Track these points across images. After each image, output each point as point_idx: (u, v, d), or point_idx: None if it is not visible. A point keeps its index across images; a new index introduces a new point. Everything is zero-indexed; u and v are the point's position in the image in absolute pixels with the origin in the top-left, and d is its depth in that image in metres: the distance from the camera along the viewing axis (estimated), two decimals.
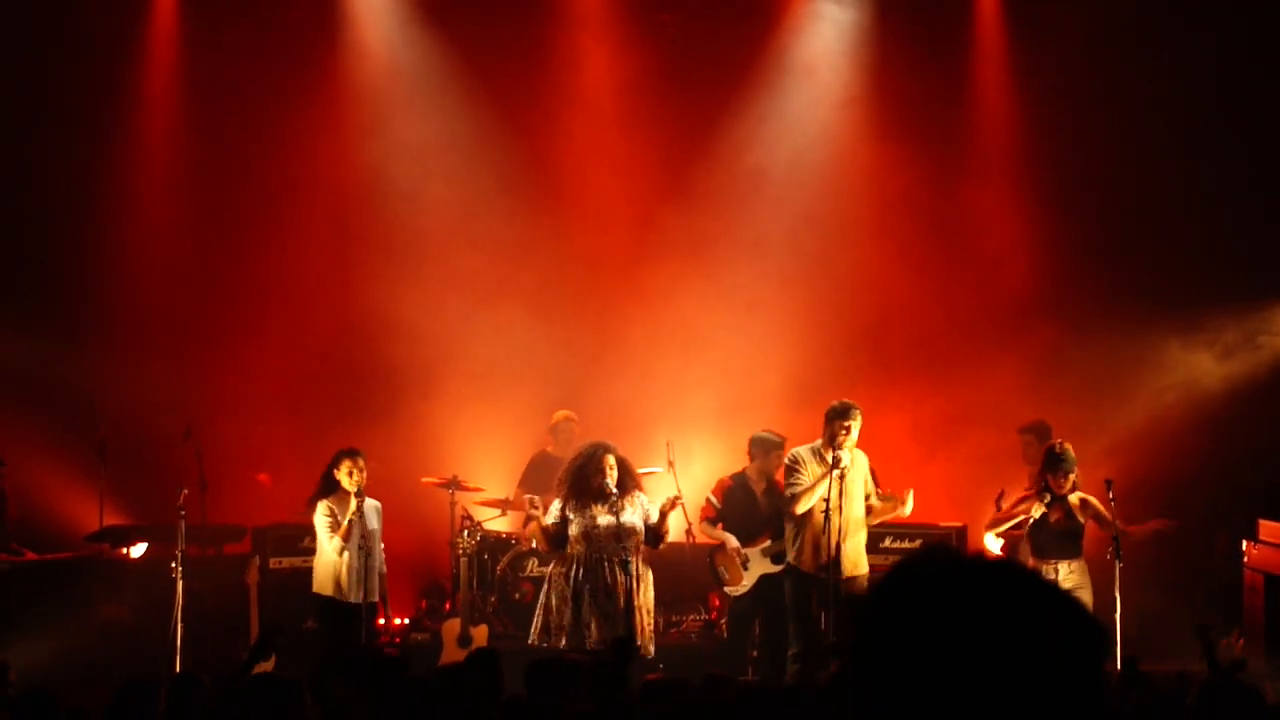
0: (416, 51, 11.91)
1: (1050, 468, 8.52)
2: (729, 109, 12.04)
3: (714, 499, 9.31)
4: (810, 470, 8.48)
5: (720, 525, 9.26)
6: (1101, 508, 8.56)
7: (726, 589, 9.29)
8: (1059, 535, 8.52)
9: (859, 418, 8.47)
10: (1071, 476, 8.50)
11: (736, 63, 12.02)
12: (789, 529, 8.67)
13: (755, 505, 9.22)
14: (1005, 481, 9.54)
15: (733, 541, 9.16)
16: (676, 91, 12.02)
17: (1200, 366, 11.29)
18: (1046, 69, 11.71)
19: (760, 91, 12.07)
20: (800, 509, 8.44)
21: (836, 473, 8.34)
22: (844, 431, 8.42)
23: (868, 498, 8.66)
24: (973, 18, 12.13)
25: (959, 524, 10.21)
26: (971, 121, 12.18)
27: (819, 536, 8.40)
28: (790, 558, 8.65)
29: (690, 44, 12.03)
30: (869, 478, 8.71)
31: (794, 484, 8.51)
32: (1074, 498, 8.55)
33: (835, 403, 8.59)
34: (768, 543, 9.12)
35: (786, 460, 8.70)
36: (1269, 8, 11.47)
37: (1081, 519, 8.58)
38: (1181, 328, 11.30)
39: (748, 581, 9.15)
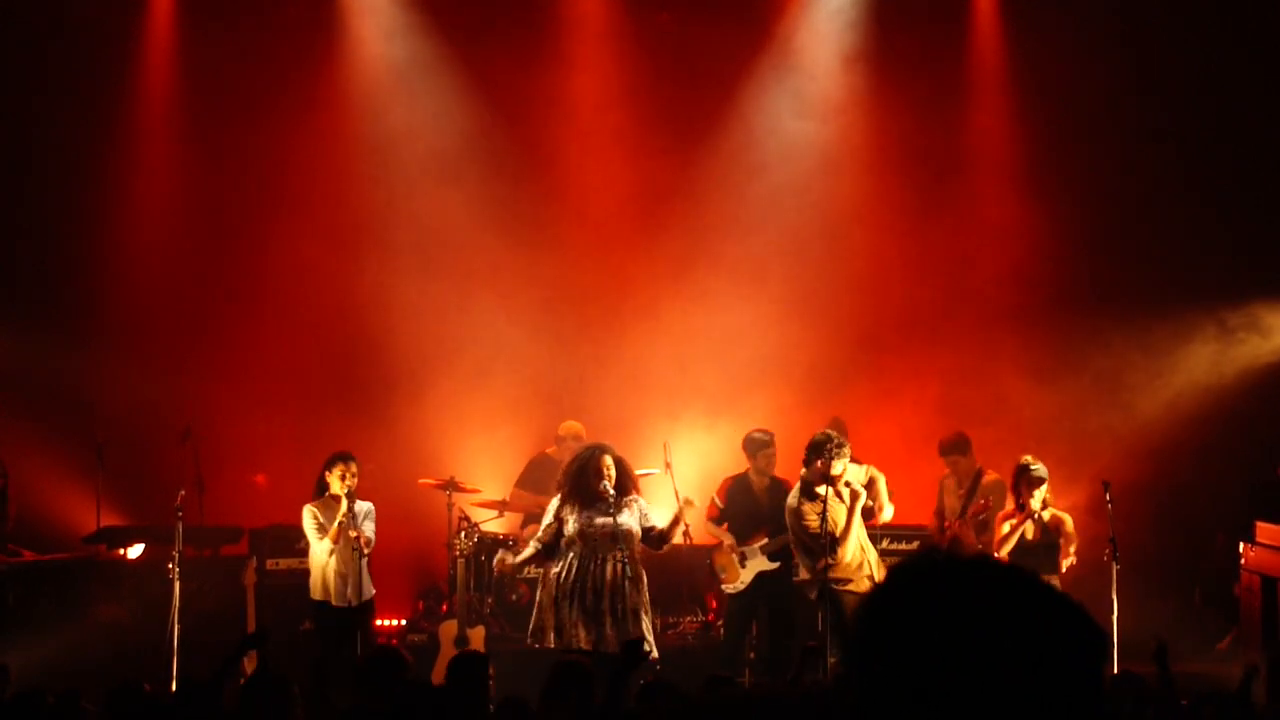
0: (413, 52, 11.90)
1: (1021, 482, 8.48)
2: (726, 107, 12.04)
3: (718, 499, 9.38)
4: (813, 509, 8.44)
5: (725, 525, 9.30)
6: (1070, 528, 8.56)
7: (724, 586, 9.34)
8: (1034, 551, 8.47)
9: (839, 451, 8.34)
10: (1041, 489, 8.45)
11: (734, 61, 12.02)
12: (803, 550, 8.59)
13: (756, 503, 9.28)
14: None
15: (729, 539, 9.19)
16: (674, 91, 12.02)
17: (1198, 367, 11.31)
18: (1046, 60, 11.69)
19: (757, 90, 12.08)
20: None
21: (830, 499, 8.34)
22: (827, 470, 8.32)
23: (869, 510, 8.61)
24: (969, 13, 12.14)
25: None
26: (970, 117, 12.18)
27: (849, 557, 8.41)
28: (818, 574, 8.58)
29: (687, 43, 12.03)
30: (881, 493, 8.66)
31: (809, 517, 8.42)
32: (1047, 514, 8.52)
33: (815, 436, 8.52)
34: (765, 540, 9.17)
35: (791, 504, 8.57)
36: None
37: (1054, 535, 8.54)
38: (1179, 327, 11.32)
39: (745, 578, 9.20)
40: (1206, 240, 11.32)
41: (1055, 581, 8.47)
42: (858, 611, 1.56)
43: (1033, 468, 8.52)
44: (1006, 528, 8.53)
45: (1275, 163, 11.37)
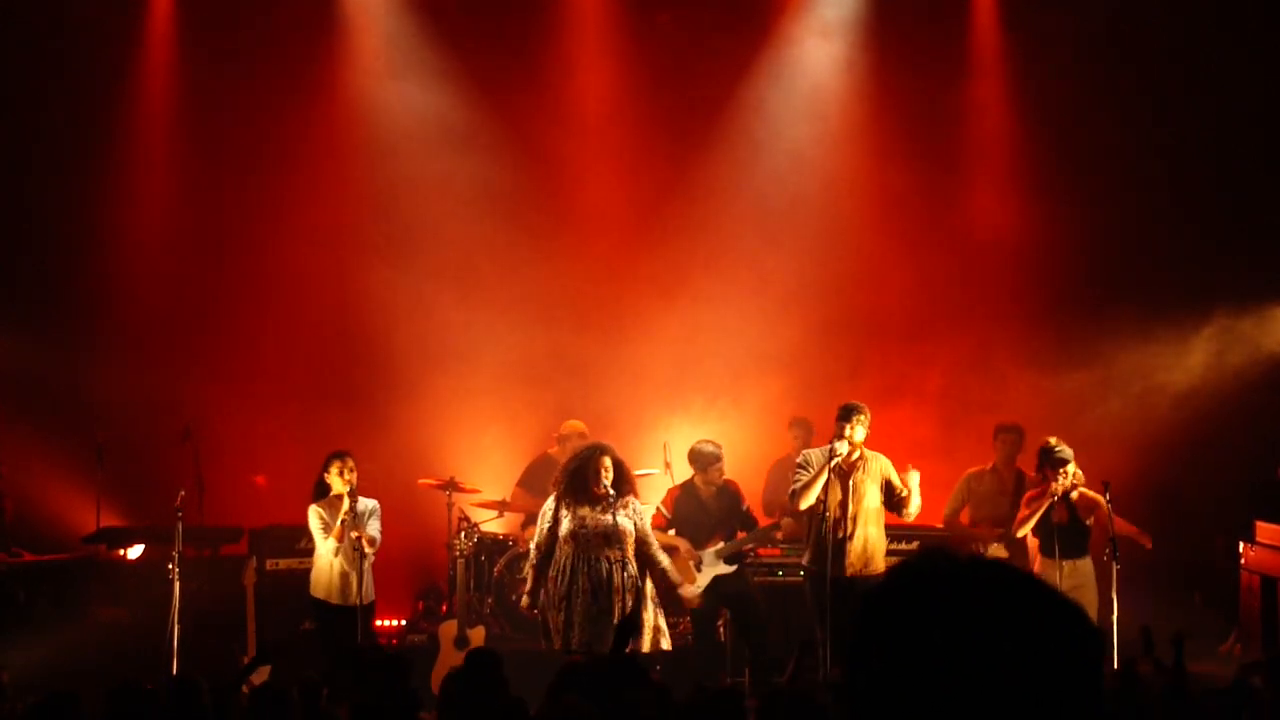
0: (413, 52, 11.90)
1: (1045, 464, 8.56)
2: (726, 106, 12.04)
3: (663, 509, 9.39)
4: (812, 469, 8.50)
5: (673, 532, 9.30)
6: (1102, 503, 8.56)
7: (680, 591, 9.36)
8: (1063, 534, 8.53)
9: (860, 418, 8.45)
10: (1068, 469, 8.49)
11: (733, 61, 12.01)
12: (820, 528, 8.61)
13: (704, 510, 9.31)
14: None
15: (683, 544, 9.22)
16: (673, 90, 12.02)
17: (1198, 366, 11.30)
18: (1045, 61, 11.67)
19: (757, 88, 12.07)
20: (803, 504, 8.46)
21: (833, 464, 8.35)
22: (839, 433, 8.43)
23: (897, 493, 8.57)
24: (969, 12, 12.13)
25: None
26: (972, 113, 12.15)
27: (823, 536, 8.44)
28: (804, 560, 8.69)
29: (687, 43, 12.03)
30: (892, 478, 8.64)
31: (796, 480, 8.53)
32: (1075, 494, 8.56)
33: (841, 404, 8.63)
34: (720, 544, 9.22)
35: (798, 460, 8.76)
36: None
37: (1085, 518, 8.60)
38: (1180, 327, 11.31)
39: (702, 583, 9.24)
40: (1209, 239, 11.32)
41: (1087, 563, 8.52)
42: (857, 611, 1.56)
43: (1056, 449, 8.55)
44: (1035, 510, 8.58)
45: (1277, 161, 11.36)
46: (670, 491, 9.50)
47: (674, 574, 8.31)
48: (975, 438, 10.90)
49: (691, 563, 9.25)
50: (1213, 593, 10.64)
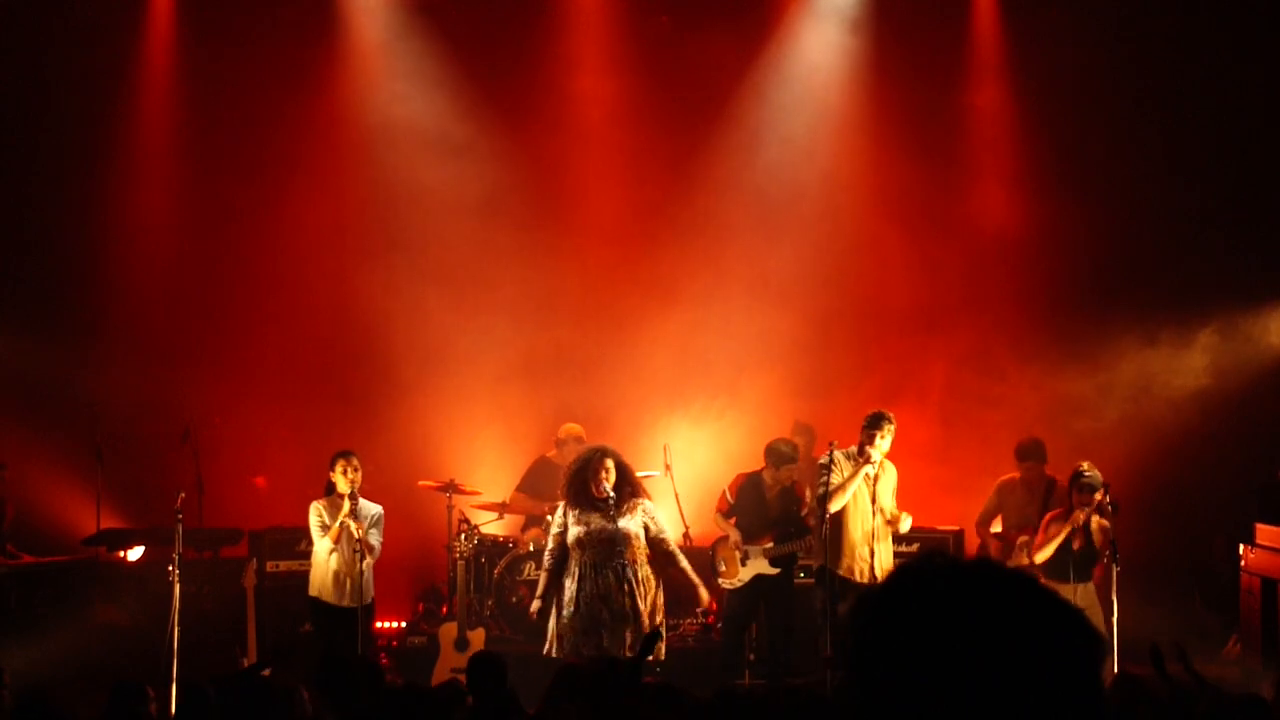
0: (414, 53, 11.90)
1: (1074, 489, 8.53)
2: (725, 105, 12.03)
3: (729, 493, 9.40)
4: (842, 471, 8.54)
5: (733, 519, 9.33)
6: (1109, 530, 8.55)
7: (721, 581, 9.37)
8: (1076, 559, 8.50)
9: (890, 427, 8.57)
10: (1096, 496, 8.46)
11: (734, 60, 12.00)
12: (821, 533, 8.66)
13: (765, 505, 9.30)
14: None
15: (735, 535, 9.23)
16: (673, 90, 12.02)
17: (1199, 366, 11.30)
18: (1047, 56, 11.68)
19: (757, 89, 12.07)
20: (834, 506, 8.48)
21: (867, 470, 8.46)
22: (869, 440, 8.53)
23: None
24: (969, 13, 12.12)
25: (956, 528, 10.20)
26: (974, 115, 12.14)
27: (852, 541, 8.48)
28: (824, 561, 8.68)
29: (688, 44, 12.02)
30: (894, 491, 8.77)
31: (826, 483, 8.55)
32: (1094, 523, 8.52)
33: (870, 412, 8.69)
34: (770, 544, 9.19)
35: (821, 460, 8.79)
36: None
37: (1098, 544, 8.55)
38: (1180, 327, 11.31)
39: (744, 576, 9.24)
40: (1210, 238, 11.31)
41: (1090, 589, 8.51)
42: (857, 613, 1.56)
43: (1086, 475, 8.51)
44: (1055, 535, 8.56)
45: (1278, 160, 11.35)
46: (738, 477, 9.51)
47: (692, 573, 8.20)
48: (976, 436, 10.92)
49: (737, 554, 9.25)
50: (1213, 595, 10.63)
